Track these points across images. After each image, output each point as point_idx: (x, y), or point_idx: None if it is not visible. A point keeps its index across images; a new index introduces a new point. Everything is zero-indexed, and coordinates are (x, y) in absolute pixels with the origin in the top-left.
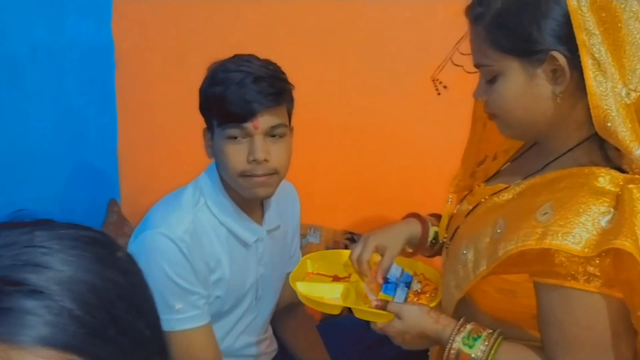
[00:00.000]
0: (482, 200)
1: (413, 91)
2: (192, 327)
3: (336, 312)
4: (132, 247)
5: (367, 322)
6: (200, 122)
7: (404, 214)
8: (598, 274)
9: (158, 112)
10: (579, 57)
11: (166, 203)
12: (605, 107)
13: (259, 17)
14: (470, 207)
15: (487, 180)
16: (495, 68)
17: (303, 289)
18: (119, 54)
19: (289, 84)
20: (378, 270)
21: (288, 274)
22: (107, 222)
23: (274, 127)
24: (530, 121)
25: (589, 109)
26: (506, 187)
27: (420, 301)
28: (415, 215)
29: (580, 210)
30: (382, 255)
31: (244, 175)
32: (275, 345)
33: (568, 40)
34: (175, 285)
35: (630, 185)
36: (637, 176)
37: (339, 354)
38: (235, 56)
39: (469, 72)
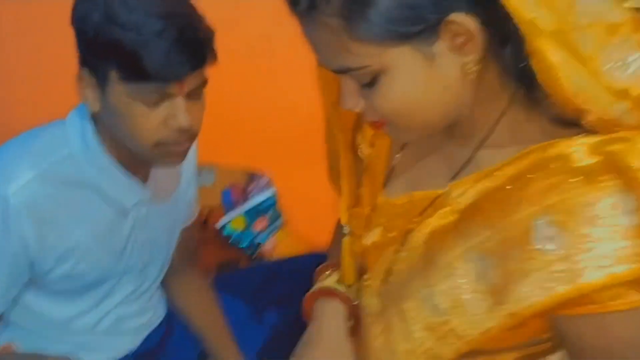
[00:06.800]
0: (412, 227)
1: None
2: None
3: None
4: None
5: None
6: None
7: (315, 147)
8: None
9: None
10: (485, 10)
11: (6, 148)
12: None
13: None
14: (391, 236)
15: (386, 186)
16: (375, 67)
17: None
18: None
19: (213, 31)
20: None
21: (183, 230)
22: None
23: (197, 88)
24: (440, 114)
25: (498, 71)
26: (437, 197)
27: None
28: (325, 293)
29: (589, 214)
30: None
31: (159, 144)
32: (162, 312)
33: None
34: None
35: (618, 147)
36: (614, 135)
37: (235, 312)
38: None
39: None
